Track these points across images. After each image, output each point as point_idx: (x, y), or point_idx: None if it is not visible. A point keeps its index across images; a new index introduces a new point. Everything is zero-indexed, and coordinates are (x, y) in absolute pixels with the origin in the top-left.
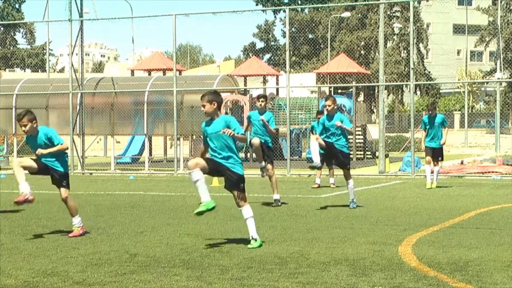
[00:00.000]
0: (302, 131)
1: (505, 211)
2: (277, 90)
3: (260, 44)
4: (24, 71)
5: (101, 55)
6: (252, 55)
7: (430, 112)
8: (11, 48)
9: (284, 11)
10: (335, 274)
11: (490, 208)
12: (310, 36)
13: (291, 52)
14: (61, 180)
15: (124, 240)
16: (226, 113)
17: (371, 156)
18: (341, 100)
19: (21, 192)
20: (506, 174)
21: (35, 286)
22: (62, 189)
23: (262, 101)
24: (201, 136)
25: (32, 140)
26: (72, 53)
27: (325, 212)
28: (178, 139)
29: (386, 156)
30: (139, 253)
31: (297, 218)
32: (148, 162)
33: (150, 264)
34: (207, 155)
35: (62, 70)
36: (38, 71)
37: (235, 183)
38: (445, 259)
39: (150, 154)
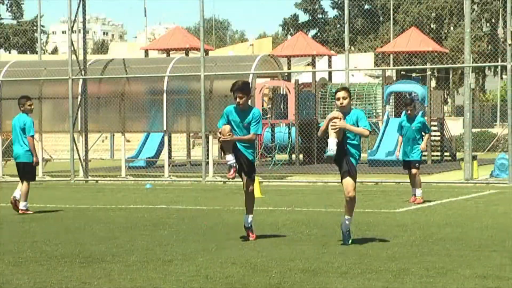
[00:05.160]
0: None
1: None
2: (330, 74)
3: (304, 17)
4: (9, 52)
5: (104, 33)
6: (295, 31)
7: None
8: None
9: None
10: None
11: None
12: (366, 6)
13: (342, 27)
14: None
15: (149, 272)
16: (263, 103)
17: (450, 158)
18: (412, 87)
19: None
20: None
21: None
22: (248, 180)
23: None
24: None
25: (239, 116)
26: (72, 28)
27: (407, 233)
28: (207, 137)
29: (474, 158)
30: None
31: (372, 241)
32: (169, 166)
33: None
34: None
35: (55, 51)
36: (26, 53)
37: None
38: None
39: (170, 156)
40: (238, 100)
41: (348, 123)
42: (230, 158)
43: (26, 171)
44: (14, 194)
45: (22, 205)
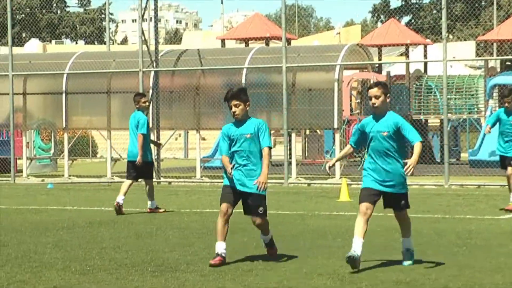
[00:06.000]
0: (461, 122)
1: None
2: (425, 65)
3: (396, 3)
4: (76, 42)
5: (177, 21)
6: (386, 18)
7: None
8: (59, 12)
9: None
10: None
11: None
12: None
13: (439, 12)
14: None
15: (227, 282)
16: (351, 97)
17: None
18: None
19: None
20: None
21: None
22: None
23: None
24: (317, 131)
25: (240, 128)
26: (142, 17)
27: None
28: (289, 134)
29: None
30: None
31: (474, 250)
32: None
33: None
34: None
35: (124, 42)
36: (94, 43)
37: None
38: None
39: None
40: (233, 109)
41: (383, 129)
42: (220, 247)
43: (145, 169)
44: (117, 200)
45: (150, 204)
